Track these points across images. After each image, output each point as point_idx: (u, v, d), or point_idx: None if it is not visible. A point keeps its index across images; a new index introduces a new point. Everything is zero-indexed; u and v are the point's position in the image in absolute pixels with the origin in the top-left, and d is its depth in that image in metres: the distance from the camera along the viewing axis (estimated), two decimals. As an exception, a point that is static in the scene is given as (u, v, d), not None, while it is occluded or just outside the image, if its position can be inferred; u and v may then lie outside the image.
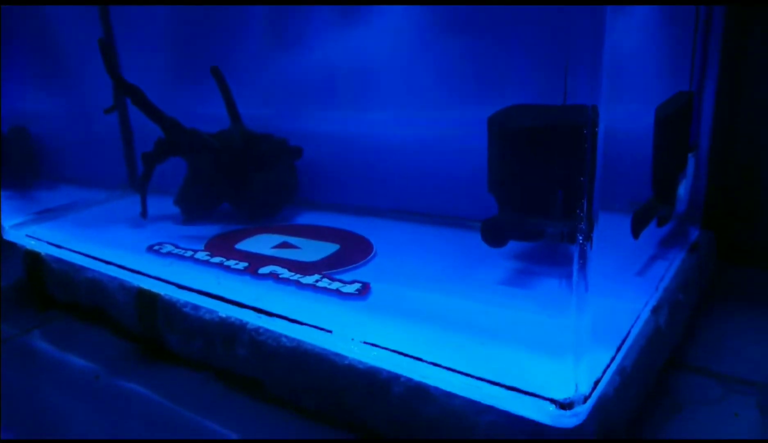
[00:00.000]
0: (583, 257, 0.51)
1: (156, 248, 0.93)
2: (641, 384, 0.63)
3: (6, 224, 1.05)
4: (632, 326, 0.64)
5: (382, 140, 0.99)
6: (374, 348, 0.63)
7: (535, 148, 0.72)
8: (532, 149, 0.72)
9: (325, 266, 0.83)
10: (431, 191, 0.97)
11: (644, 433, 0.62)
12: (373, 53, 0.97)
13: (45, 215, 1.13)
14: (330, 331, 0.66)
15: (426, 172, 0.97)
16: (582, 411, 0.52)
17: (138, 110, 0.96)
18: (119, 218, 1.08)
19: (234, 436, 0.67)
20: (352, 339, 0.64)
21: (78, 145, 1.26)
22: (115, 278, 0.88)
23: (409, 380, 0.60)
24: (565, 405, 0.52)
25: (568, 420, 0.52)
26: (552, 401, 0.53)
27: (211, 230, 1.00)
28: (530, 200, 0.74)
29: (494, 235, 0.73)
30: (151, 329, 0.83)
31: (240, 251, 0.90)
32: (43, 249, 0.99)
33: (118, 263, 0.89)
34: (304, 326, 0.68)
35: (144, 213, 1.03)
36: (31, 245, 1.01)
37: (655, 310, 0.68)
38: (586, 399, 0.53)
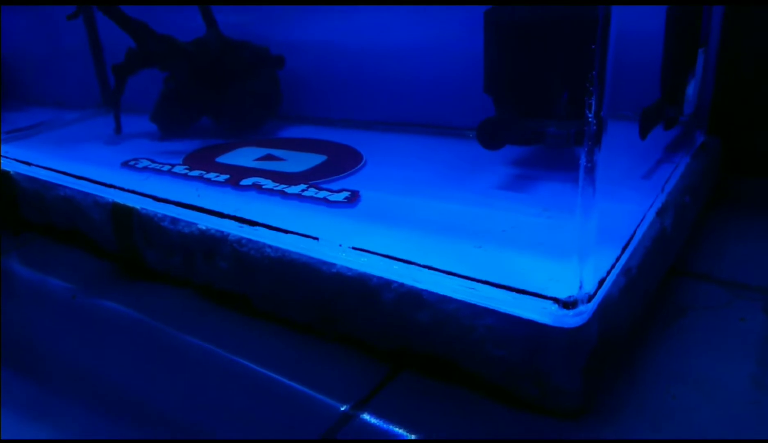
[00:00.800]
0: (590, 158, 0.47)
1: (131, 163, 0.87)
2: (646, 286, 0.60)
3: (-28, 143, 0.98)
4: (637, 228, 0.60)
5: (371, 45, 0.92)
6: (364, 253, 0.59)
7: (540, 43, 0.66)
8: (536, 44, 0.66)
9: (312, 176, 0.78)
10: (424, 100, 0.91)
11: (647, 337, 0.59)
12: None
13: (14, 135, 1.06)
14: (316, 238, 0.62)
15: (418, 80, 0.91)
16: (586, 310, 0.49)
17: (106, 19, 0.88)
18: (92, 136, 1.02)
19: (220, 352, 0.64)
20: (340, 245, 0.60)
21: (45, 63, 1.17)
22: (88, 195, 0.83)
23: (401, 285, 0.56)
24: (568, 304, 0.48)
25: (570, 319, 0.48)
26: (554, 300, 0.49)
27: (190, 145, 0.94)
28: (532, 99, 0.69)
29: (491, 136, 0.68)
30: (128, 246, 0.79)
31: (221, 164, 0.85)
32: (13, 168, 0.93)
33: (91, 178, 0.84)
34: (288, 235, 0.64)
35: (118, 129, 0.97)
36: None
37: (660, 212, 0.64)
38: (590, 298, 0.49)
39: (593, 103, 0.45)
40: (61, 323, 0.73)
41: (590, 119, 0.45)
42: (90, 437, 0.55)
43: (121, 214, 0.78)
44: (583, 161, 0.47)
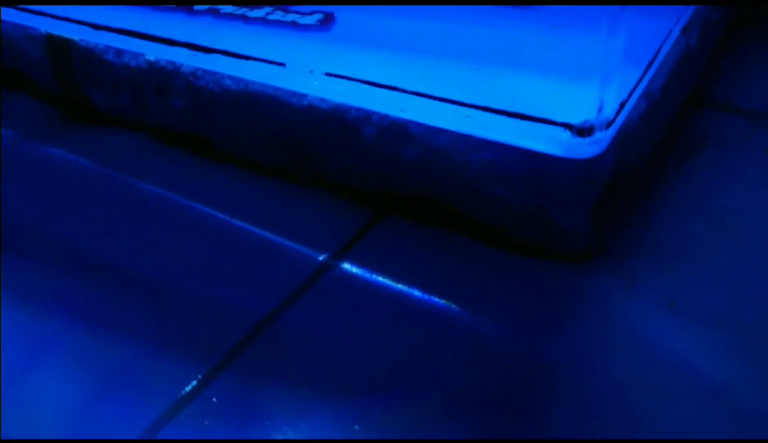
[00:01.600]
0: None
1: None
2: (667, 113, 0.52)
3: None
4: (662, 46, 0.50)
5: None
6: (339, 80, 0.49)
7: None
8: None
9: (278, -2, 0.66)
10: None
11: (664, 171, 0.51)
12: None
13: None
14: (283, 64, 0.51)
15: None
16: (603, 138, 0.41)
17: None
18: None
19: (180, 200, 0.56)
20: (312, 72, 0.50)
21: None
22: (18, 26, 0.70)
23: (383, 117, 0.47)
24: (583, 131, 0.40)
25: (585, 149, 0.40)
26: (567, 126, 0.40)
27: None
28: None
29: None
30: (70, 84, 0.68)
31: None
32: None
33: (17, 4, 0.70)
34: (250, 62, 0.53)
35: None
36: None
37: (685, 29, 0.54)
38: (609, 123, 0.41)
39: None
40: (2, 172, 0.64)
41: None
42: (35, 288, 0.49)
43: (58, 47, 0.66)
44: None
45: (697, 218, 0.47)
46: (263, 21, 0.60)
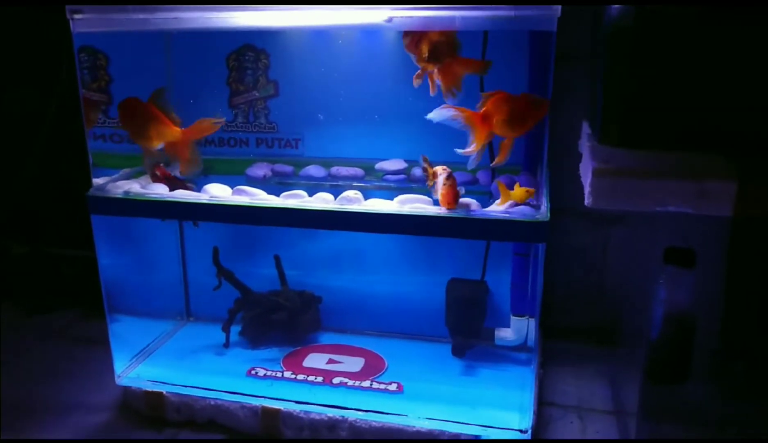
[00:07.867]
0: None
1: (252, 372, 1.28)
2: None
3: (118, 371, 1.29)
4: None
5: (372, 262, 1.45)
6: (430, 420, 1.13)
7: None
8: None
9: (365, 374, 1.29)
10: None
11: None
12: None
13: (143, 354, 1.35)
14: (405, 415, 1.14)
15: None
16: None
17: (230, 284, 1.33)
18: (203, 348, 1.37)
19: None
20: (419, 418, 1.14)
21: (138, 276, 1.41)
22: (235, 402, 1.22)
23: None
24: (524, 431, 1.09)
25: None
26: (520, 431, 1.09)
27: (272, 352, 1.37)
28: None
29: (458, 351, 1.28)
30: (272, 430, 1.20)
31: (308, 368, 1.30)
32: (165, 389, 1.27)
33: (232, 390, 1.22)
34: (387, 415, 1.15)
35: (227, 344, 1.38)
36: (151, 387, 1.26)
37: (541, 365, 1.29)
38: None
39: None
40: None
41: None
42: None
43: (270, 413, 1.20)
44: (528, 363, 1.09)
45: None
46: (370, 389, 1.23)
